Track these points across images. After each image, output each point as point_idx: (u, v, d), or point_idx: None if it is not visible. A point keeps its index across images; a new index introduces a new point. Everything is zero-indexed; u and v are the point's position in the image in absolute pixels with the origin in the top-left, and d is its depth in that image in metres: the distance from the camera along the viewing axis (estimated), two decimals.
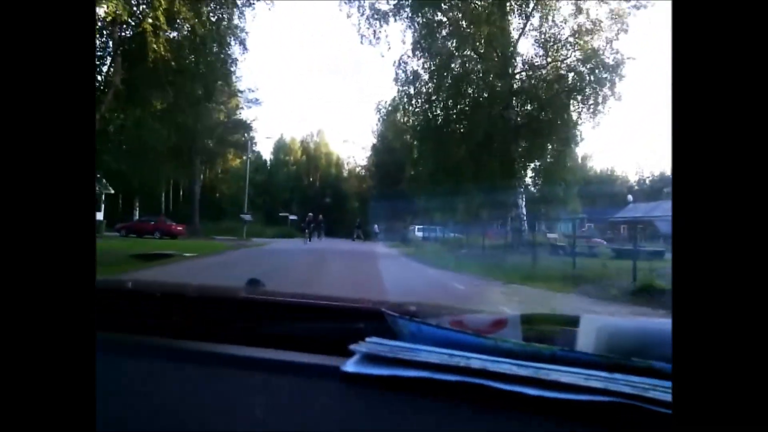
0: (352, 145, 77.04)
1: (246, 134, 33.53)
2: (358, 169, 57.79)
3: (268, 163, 57.26)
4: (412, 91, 19.39)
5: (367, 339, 0.65)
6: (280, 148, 58.18)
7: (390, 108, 21.90)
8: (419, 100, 19.45)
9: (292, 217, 39.88)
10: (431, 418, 0.56)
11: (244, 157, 53.71)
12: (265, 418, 0.57)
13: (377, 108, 22.40)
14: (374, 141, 53.47)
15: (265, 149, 65.75)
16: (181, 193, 43.69)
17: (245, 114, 37.51)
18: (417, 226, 31.58)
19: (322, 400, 0.60)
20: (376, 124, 21.88)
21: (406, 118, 22.60)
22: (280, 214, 37.71)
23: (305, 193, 54.57)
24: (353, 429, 0.56)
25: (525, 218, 18.38)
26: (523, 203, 18.44)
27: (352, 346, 0.65)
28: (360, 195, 55.85)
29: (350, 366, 0.63)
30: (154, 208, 37.61)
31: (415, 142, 21.62)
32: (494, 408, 0.55)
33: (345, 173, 61.57)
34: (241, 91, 32.74)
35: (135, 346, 0.74)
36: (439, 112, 19.20)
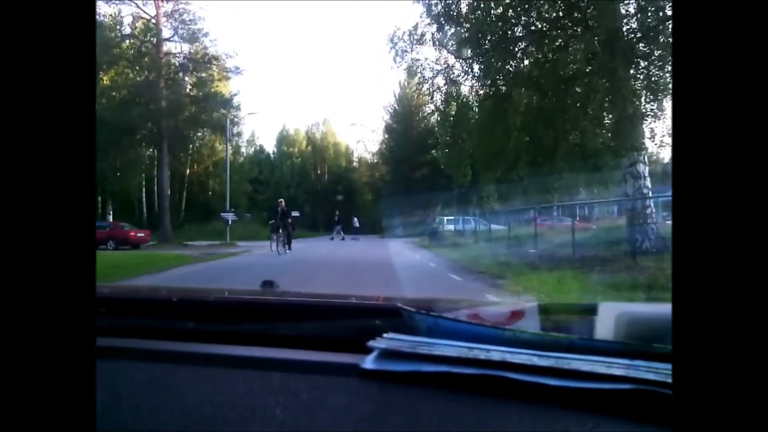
0: (361, 129, 67.08)
1: (226, 111, 24.60)
2: (369, 156, 49.06)
3: (272, 156, 54.47)
4: None
5: (385, 335, 0.67)
6: (283, 139, 54.92)
7: (416, 36, 11.10)
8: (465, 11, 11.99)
9: (294, 213, 31.00)
10: (453, 411, 0.57)
11: (237, 144, 44.82)
12: (285, 418, 0.59)
13: (391, 41, 11.24)
14: (387, 119, 44.31)
15: (268, 142, 57.18)
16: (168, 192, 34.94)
17: (224, 87, 28.47)
18: (446, 217, 22.66)
19: (342, 397, 0.62)
20: (392, 67, 13.91)
21: (441, 48, 13.11)
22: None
23: (312, 188, 51.28)
24: (375, 425, 0.58)
25: (650, 195, 11.92)
26: (646, 170, 11.92)
27: (370, 343, 0.66)
28: (372, 185, 48.21)
29: (369, 363, 0.64)
30: (132, 212, 34.27)
31: (456, 91, 13.88)
32: (516, 400, 0.57)
33: (355, 163, 52.23)
34: (216, 57, 23.81)
35: (152, 352, 0.76)
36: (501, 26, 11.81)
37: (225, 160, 27.57)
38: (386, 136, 47.48)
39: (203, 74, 26.93)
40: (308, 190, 49.63)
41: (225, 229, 24.73)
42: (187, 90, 26.51)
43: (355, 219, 32.36)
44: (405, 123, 44.17)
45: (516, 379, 0.57)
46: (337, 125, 64.89)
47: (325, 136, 55.39)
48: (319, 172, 53.80)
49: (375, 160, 52.39)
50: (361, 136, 65.23)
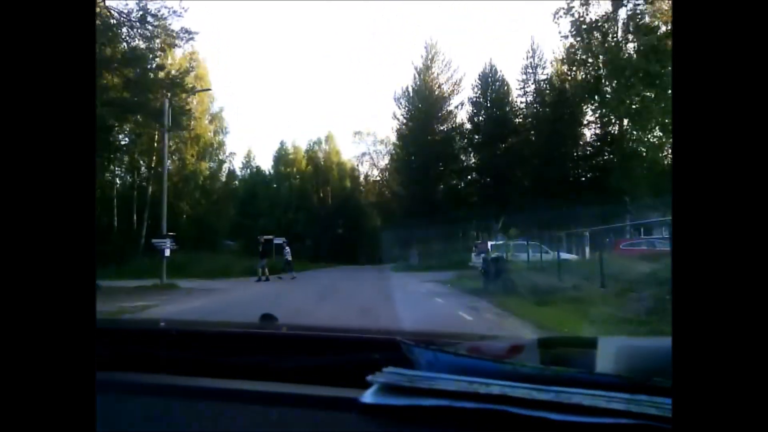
0: (367, 138, 54.16)
1: (166, 93, 14.76)
2: (377, 172, 39.33)
3: (268, 175, 47.55)
4: None
5: (385, 369, 0.68)
6: (281, 158, 47.84)
7: None
8: None
9: (277, 240, 26.07)
10: None
11: (220, 159, 35.47)
12: None
13: None
14: (399, 116, 33.96)
15: (265, 163, 53.03)
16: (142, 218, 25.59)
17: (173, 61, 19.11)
18: (511, 241, 12.20)
19: None
20: None
21: None
22: (259, 237, 23.18)
23: (312, 212, 44.01)
24: None
25: None
26: None
27: (370, 377, 0.67)
28: (383, 206, 37.31)
29: (368, 397, 0.65)
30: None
31: None
32: None
33: (361, 181, 50.41)
34: (153, 15, 14.29)
35: (151, 386, 0.77)
36: None
37: (163, 158, 18.00)
38: (398, 143, 36.91)
39: (138, 41, 17.28)
40: (308, 216, 43.94)
41: (161, 264, 16.97)
42: (112, 61, 16.88)
43: (287, 248, 22.17)
44: (423, 121, 34.27)
45: (516, 414, 0.58)
46: (341, 141, 56.82)
47: (328, 155, 49.88)
48: (321, 195, 48.02)
49: (384, 176, 42.42)
50: (367, 147, 52.70)
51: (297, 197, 45.05)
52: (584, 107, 29.87)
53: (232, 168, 43.51)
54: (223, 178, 40.38)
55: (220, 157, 39.04)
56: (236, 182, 43.86)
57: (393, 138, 40.86)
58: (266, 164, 51.09)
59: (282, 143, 49.72)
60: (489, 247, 14.45)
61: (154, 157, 31.13)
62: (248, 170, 48.57)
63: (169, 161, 33.71)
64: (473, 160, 36.82)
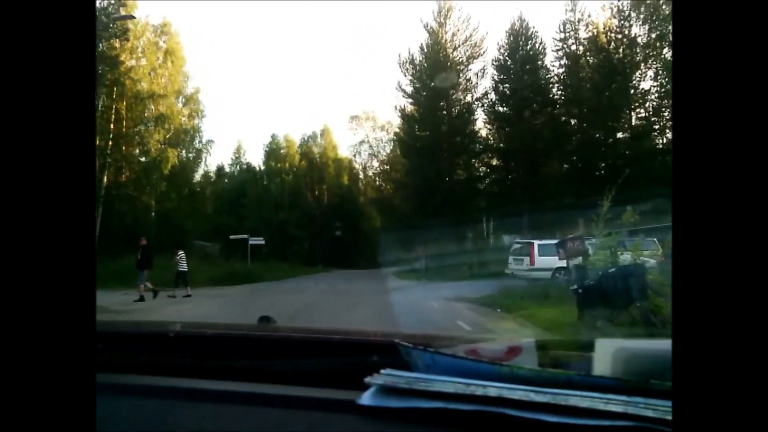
0: (365, 124, 45.06)
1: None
2: (376, 164, 34.00)
3: (258, 170, 42.73)
4: None
5: (382, 371, 0.70)
6: (272, 153, 42.88)
7: None
8: None
9: (253, 240, 23.48)
10: None
11: (195, 148, 30.41)
12: None
13: None
14: (405, 87, 27.74)
15: (255, 156, 54.14)
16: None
17: None
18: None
19: None
20: None
21: None
22: (231, 237, 14.83)
23: (306, 212, 39.79)
24: None
25: None
26: None
27: (367, 379, 0.69)
28: (384, 201, 32.41)
29: (366, 399, 0.67)
30: None
31: None
32: None
33: (360, 177, 45.19)
34: None
35: (150, 388, 0.79)
36: None
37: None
38: (404, 122, 30.80)
39: None
40: (303, 216, 39.80)
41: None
42: None
43: (180, 252, 14.57)
44: (435, 92, 28.84)
45: (514, 416, 0.60)
46: (337, 133, 51.92)
47: (323, 150, 45.09)
48: (316, 192, 43.73)
49: (385, 167, 36.50)
50: (366, 134, 44.29)
51: (289, 195, 41.42)
52: (639, 73, 24.67)
53: (221, 165, 40.83)
54: (201, 170, 35.51)
55: (197, 145, 33.65)
56: (226, 180, 39.50)
57: (396, 121, 33.65)
58: (257, 159, 47.56)
59: (273, 136, 45.56)
60: (589, 248, 8.55)
61: (110, 142, 25.62)
62: (238, 166, 45.78)
63: (137, 149, 28.53)
64: (496, 141, 29.00)
